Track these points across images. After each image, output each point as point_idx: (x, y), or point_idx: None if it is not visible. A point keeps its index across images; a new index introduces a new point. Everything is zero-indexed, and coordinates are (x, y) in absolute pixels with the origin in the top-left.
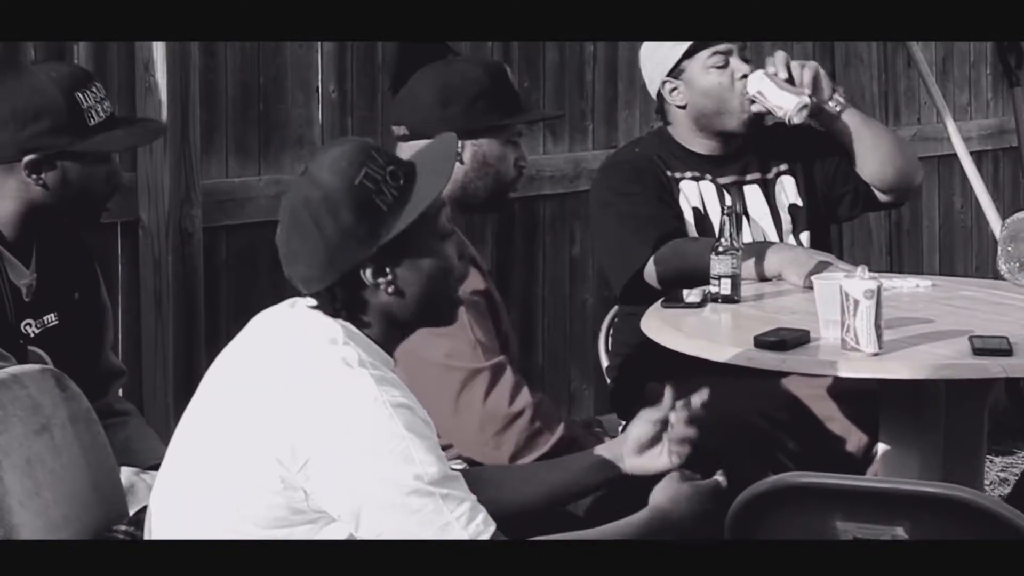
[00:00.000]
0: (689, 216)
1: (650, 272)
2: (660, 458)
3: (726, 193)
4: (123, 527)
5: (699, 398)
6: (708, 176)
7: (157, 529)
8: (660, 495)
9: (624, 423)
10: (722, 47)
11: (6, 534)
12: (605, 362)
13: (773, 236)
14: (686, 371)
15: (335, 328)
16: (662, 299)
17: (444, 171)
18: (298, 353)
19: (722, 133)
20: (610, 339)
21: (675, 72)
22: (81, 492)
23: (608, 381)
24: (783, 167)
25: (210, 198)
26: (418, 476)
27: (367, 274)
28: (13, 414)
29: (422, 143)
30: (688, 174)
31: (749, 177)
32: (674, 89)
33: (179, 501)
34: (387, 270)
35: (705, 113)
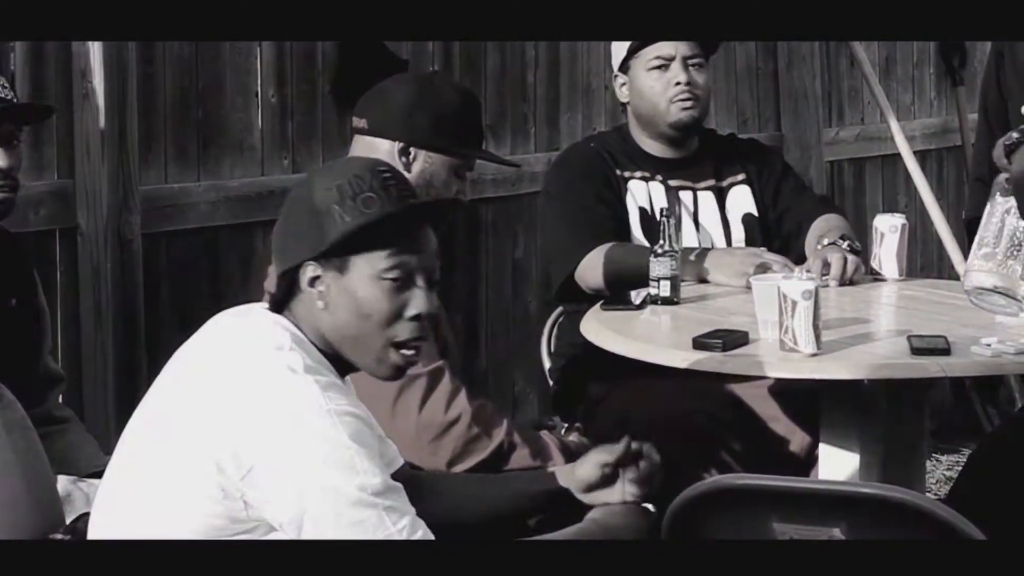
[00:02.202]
0: (635, 216)
1: (580, 276)
2: (611, 494)
3: (674, 195)
4: (59, 536)
5: (650, 449)
6: (659, 177)
7: (99, 533)
8: (597, 508)
9: (567, 426)
10: (665, 51)
11: None
12: (548, 364)
13: (720, 244)
14: (627, 372)
15: (283, 335)
16: (601, 301)
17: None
18: (243, 358)
19: (662, 135)
20: (553, 341)
21: (624, 68)
22: (16, 501)
23: (551, 383)
24: (739, 176)
25: (149, 204)
26: (361, 487)
27: (305, 274)
28: None
29: (377, 141)
30: (638, 174)
31: (702, 184)
32: (623, 84)
33: (118, 507)
34: (321, 280)
35: (640, 113)
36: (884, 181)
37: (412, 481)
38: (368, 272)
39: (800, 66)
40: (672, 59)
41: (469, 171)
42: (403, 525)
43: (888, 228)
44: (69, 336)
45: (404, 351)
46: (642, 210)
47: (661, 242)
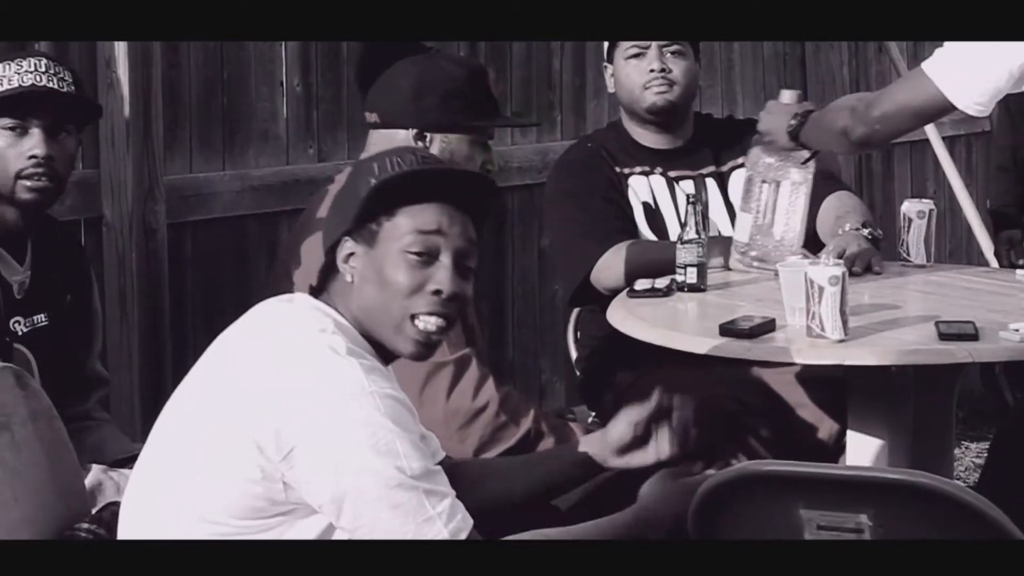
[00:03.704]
0: (639, 211)
1: (597, 278)
2: (646, 454)
3: (676, 186)
4: (85, 525)
5: (682, 402)
6: (659, 170)
7: (132, 516)
8: (647, 494)
9: (594, 414)
10: (642, 42)
11: None
12: (574, 354)
13: (726, 228)
14: (655, 360)
15: (325, 319)
16: (627, 289)
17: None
18: (285, 341)
19: (647, 123)
20: (578, 331)
21: (610, 58)
22: (42, 490)
23: (577, 373)
24: (739, 159)
25: (174, 194)
26: (401, 469)
27: (342, 252)
28: None
29: (392, 132)
30: (638, 169)
31: (703, 171)
32: (611, 75)
33: (156, 489)
34: (354, 256)
35: (623, 102)
36: (913, 167)
37: (450, 470)
38: (395, 246)
39: (828, 51)
40: (648, 47)
41: (490, 139)
42: (443, 508)
43: (916, 214)
44: None
45: (423, 324)
46: (645, 205)
47: (688, 229)
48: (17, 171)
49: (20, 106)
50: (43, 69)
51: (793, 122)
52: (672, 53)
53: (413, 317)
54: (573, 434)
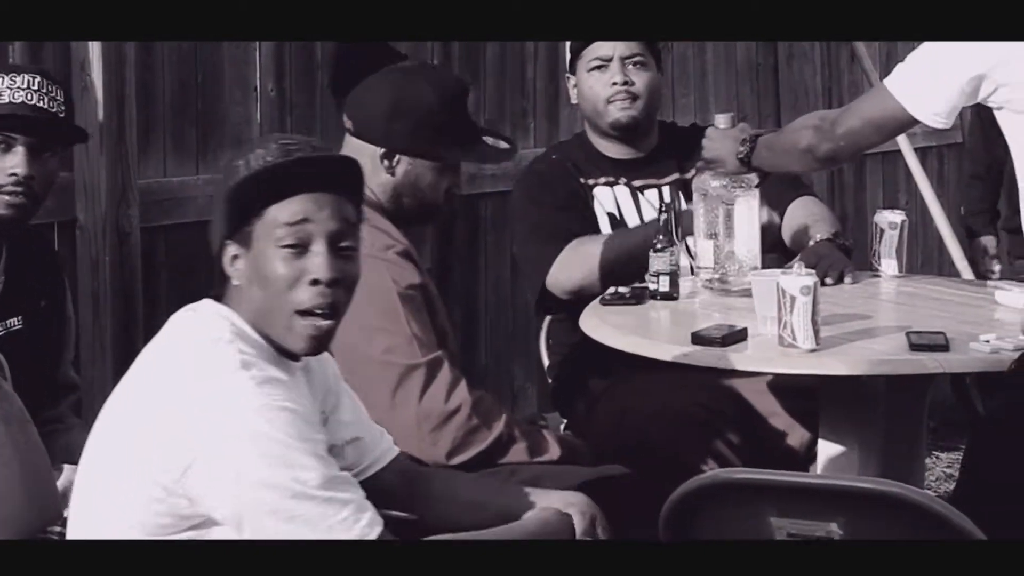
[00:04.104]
0: (604, 222)
1: (553, 282)
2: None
3: (641, 196)
4: (58, 528)
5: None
6: (623, 180)
7: (70, 532)
8: (557, 502)
9: (565, 421)
10: (603, 52)
11: None
12: (547, 361)
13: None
14: (627, 368)
15: (223, 327)
16: (600, 296)
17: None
18: (181, 358)
19: (609, 136)
20: (550, 337)
21: (572, 69)
22: (14, 493)
23: (549, 380)
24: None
25: (148, 197)
26: (298, 480)
27: (227, 257)
28: None
29: (362, 144)
30: (602, 179)
31: (666, 179)
32: (574, 87)
33: (84, 508)
34: (238, 259)
35: (586, 114)
36: (884, 178)
37: (409, 474)
38: (268, 241)
39: (801, 61)
40: (610, 59)
41: (455, 170)
42: (345, 515)
43: (888, 224)
44: None
45: (311, 319)
46: (611, 215)
47: (660, 237)
48: None
49: (8, 123)
50: (36, 88)
51: (742, 148)
52: (634, 64)
53: (300, 314)
54: (545, 441)
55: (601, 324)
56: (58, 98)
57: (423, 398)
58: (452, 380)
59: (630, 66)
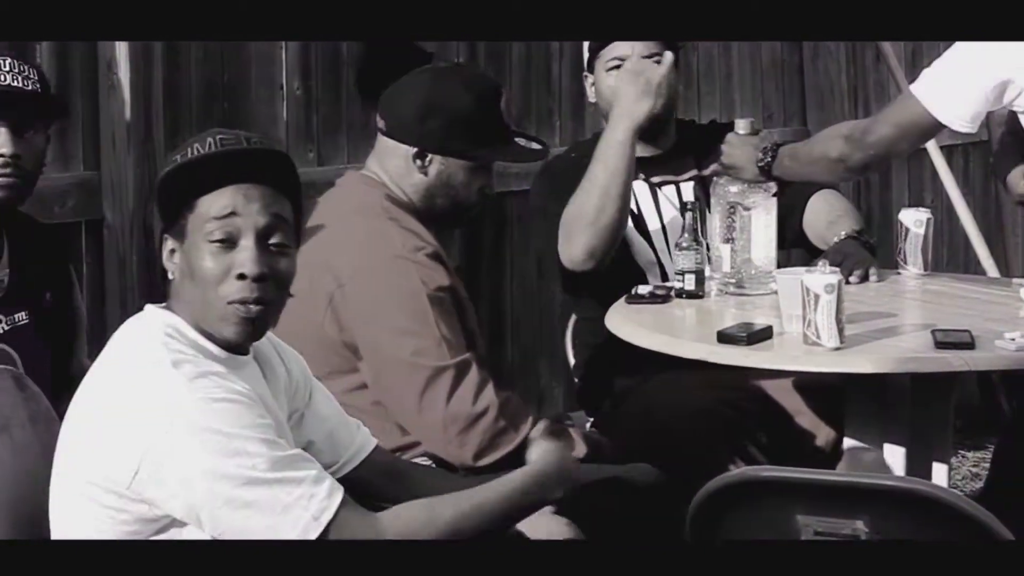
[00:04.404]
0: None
1: (567, 260)
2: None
3: (659, 191)
4: None
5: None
6: (640, 176)
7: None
8: (535, 454)
9: (591, 420)
10: (621, 51)
11: None
12: (572, 360)
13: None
14: (652, 367)
15: (156, 329)
16: (625, 295)
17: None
18: (116, 366)
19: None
20: (576, 337)
21: (590, 67)
22: (43, 491)
23: (575, 379)
24: None
25: None
26: (245, 466)
27: (164, 251)
28: None
29: (395, 144)
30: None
31: (684, 176)
32: (592, 85)
33: (54, 520)
34: (175, 253)
35: (604, 113)
36: (910, 176)
37: (389, 465)
38: (198, 236)
39: (826, 60)
40: (628, 59)
41: (487, 169)
42: (301, 492)
43: (913, 223)
44: (95, 328)
45: (238, 309)
46: (631, 212)
47: (685, 235)
48: None
49: None
50: (7, 68)
51: (763, 156)
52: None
53: (230, 303)
54: (572, 441)
55: (627, 323)
56: (31, 76)
57: (451, 400)
58: (480, 382)
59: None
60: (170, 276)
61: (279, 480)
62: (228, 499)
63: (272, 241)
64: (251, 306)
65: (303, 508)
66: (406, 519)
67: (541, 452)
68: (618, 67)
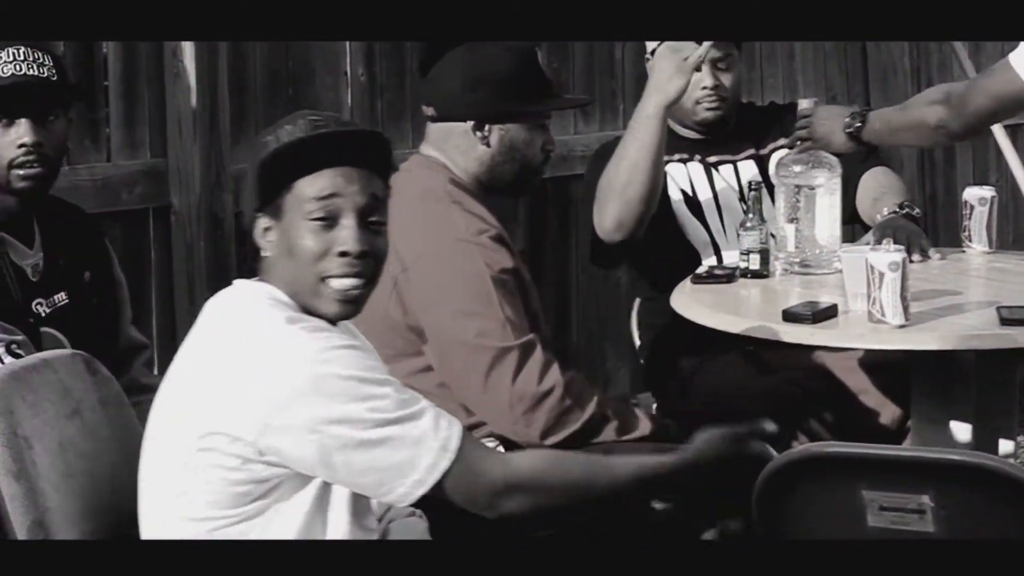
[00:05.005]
0: (678, 198)
1: (600, 231)
2: None
3: (715, 172)
4: None
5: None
6: (697, 157)
7: (142, 521)
8: (698, 439)
9: (657, 402)
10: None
11: (39, 517)
12: (637, 341)
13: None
14: (717, 347)
15: (259, 297)
16: (691, 275)
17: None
18: (230, 330)
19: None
20: (641, 318)
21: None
22: (114, 474)
23: (640, 360)
24: (780, 141)
25: (241, 183)
26: (374, 409)
27: (258, 229)
28: (45, 398)
29: (449, 125)
30: (676, 156)
31: (742, 155)
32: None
33: (150, 495)
34: (270, 231)
35: None
36: (975, 155)
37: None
38: (298, 214)
39: (889, 42)
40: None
41: (548, 120)
42: (426, 425)
43: (977, 200)
44: (163, 314)
45: (337, 284)
46: (684, 192)
47: (750, 215)
48: (9, 160)
49: (3, 98)
50: (23, 58)
51: (853, 122)
52: (723, 68)
53: (326, 279)
54: (637, 419)
55: (692, 303)
56: (47, 63)
57: (516, 380)
58: (545, 362)
59: (720, 67)
60: (264, 253)
61: (406, 417)
62: (362, 440)
63: (371, 219)
64: (353, 281)
65: (433, 439)
66: (532, 458)
67: (706, 438)
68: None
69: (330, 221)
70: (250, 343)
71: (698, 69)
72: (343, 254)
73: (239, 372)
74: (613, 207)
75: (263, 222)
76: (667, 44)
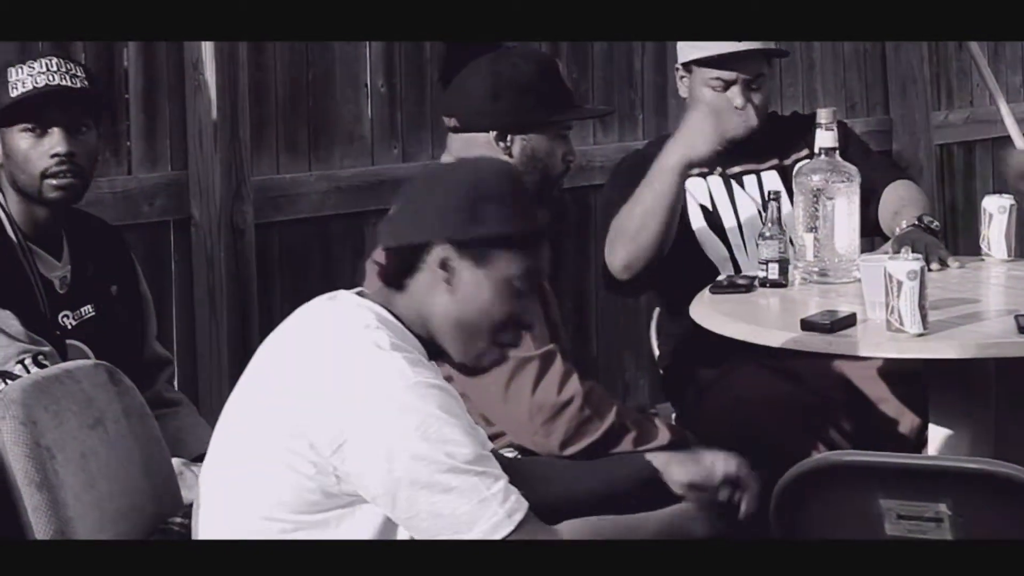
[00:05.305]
0: (696, 213)
1: (610, 265)
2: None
3: (735, 184)
4: (178, 519)
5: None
6: (717, 170)
7: (201, 519)
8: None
9: (676, 412)
10: (727, 75)
11: (61, 527)
12: (657, 351)
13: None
14: (737, 357)
15: (367, 315)
16: (710, 285)
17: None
18: (330, 340)
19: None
20: (660, 328)
21: (687, 67)
22: (136, 485)
23: (660, 370)
24: (803, 152)
25: (261, 194)
26: (451, 455)
27: (434, 253)
28: (67, 408)
29: (472, 135)
30: (695, 170)
31: (766, 165)
32: (682, 78)
33: (219, 491)
34: (453, 263)
35: None
36: (994, 164)
37: (519, 467)
38: (505, 273)
39: (908, 48)
40: (734, 81)
41: (569, 130)
42: (497, 489)
43: (997, 209)
44: (184, 325)
45: (503, 347)
46: (703, 207)
47: (769, 225)
48: (42, 171)
49: (37, 108)
50: (55, 68)
51: None
52: (755, 88)
53: (499, 344)
54: (656, 429)
55: (711, 313)
56: (79, 74)
57: (536, 390)
58: (564, 372)
59: (752, 87)
60: (444, 287)
61: (481, 473)
62: (430, 482)
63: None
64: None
65: (498, 504)
66: (571, 530)
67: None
68: (721, 86)
69: (528, 291)
70: (351, 358)
71: (727, 88)
72: (527, 326)
73: (332, 384)
74: (623, 250)
75: (444, 251)
76: (711, 103)
